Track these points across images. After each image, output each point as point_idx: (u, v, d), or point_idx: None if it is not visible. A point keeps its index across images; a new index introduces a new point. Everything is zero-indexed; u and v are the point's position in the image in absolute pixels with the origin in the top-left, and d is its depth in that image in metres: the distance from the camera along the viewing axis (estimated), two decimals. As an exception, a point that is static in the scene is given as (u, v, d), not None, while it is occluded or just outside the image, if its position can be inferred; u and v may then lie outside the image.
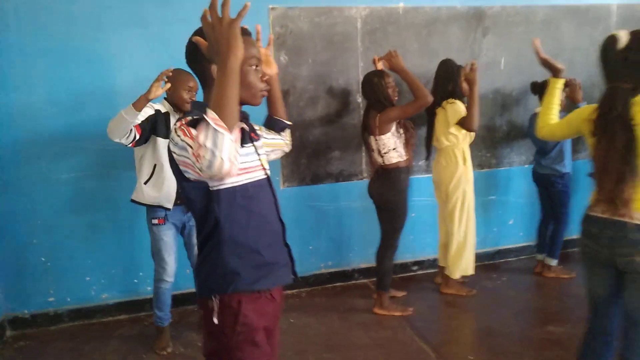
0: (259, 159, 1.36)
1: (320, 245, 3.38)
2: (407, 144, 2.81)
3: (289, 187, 3.24)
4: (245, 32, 1.25)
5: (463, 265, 3.07)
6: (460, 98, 2.97)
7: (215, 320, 1.24)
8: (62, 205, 2.89)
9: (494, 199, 3.68)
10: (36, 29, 2.69)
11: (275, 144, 1.62)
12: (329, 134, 3.25)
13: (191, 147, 1.09)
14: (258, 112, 1.54)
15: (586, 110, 1.70)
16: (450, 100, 2.96)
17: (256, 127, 1.48)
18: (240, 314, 1.25)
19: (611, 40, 1.57)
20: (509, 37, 3.46)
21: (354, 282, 3.45)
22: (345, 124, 3.26)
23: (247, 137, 1.32)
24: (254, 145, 1.35)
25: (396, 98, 2.83)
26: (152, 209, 2.50)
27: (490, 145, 3.59)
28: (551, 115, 1.91)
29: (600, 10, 3.64)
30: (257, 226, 1.29)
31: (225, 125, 1.04)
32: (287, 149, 1.70)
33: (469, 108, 2.82)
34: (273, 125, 1.64)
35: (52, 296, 2.97)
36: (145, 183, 2.46)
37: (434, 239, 3.35)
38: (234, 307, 1.25)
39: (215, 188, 1.22)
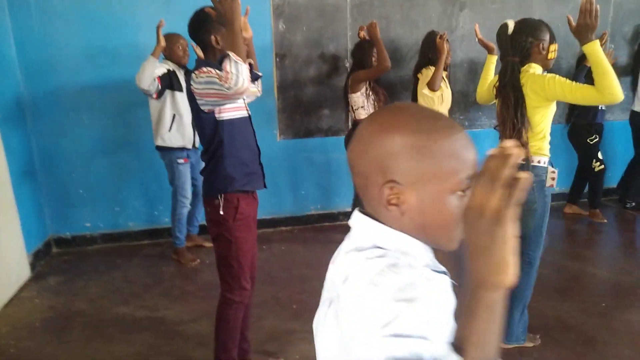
0: (244, 102, 1.92)
1: (310, 191, 3.97)
2: (376, 107, 3.30)
3: (284, 140, 3.80)
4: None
5: None
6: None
7: (221, 212, 1.84)
8: (96, 146, 3.51)
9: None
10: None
11: (251, 92, 2.17)
12: (320, 93, 3.77)
13: (219, 77, 1.65)
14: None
15: (493, 80, 2.21)
16: (429, 66, 3.43)
17: None
18: (239, 206, 1.84)
19: (503, 27, 2.06)
20: (484, 13, 3.88)
21: (339, 222, 4.03)
22: (334, 85, 3.77)
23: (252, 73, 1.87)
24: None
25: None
26: (177, 151, 3.13)
27: (464, 109, 4.06)
28: (485, 84, 2.40)
29: (571, -12, 4.02)
30: (245, 146, 1.87)
31: (241, 60, 1.64)
32: (259, 94, 2.26)
33: (434, 71, 3.28)
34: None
35: (88, 222, 3.63)
36: (169, 130, 3.08)
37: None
38: (234, 202, 1.85)
39: (220, 119, 1.80)
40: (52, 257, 3.51)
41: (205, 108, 1.77)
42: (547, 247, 2.29)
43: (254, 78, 2.14)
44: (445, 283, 0.69)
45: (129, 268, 3.30)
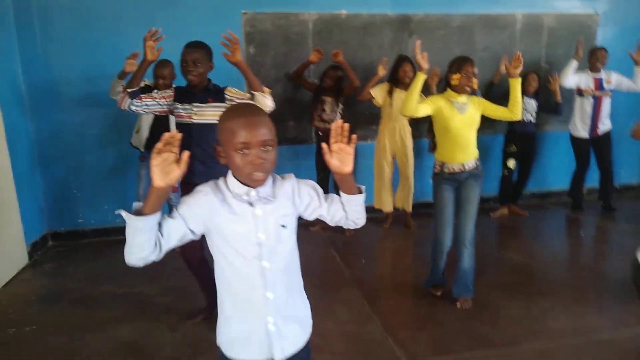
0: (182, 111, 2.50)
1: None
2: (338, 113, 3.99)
3: (255, 147, 4.32)
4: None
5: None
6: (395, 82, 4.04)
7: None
8: (89, 152, 4.03)
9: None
10: (77, 27, 3.81)
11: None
12: (286, 108, 4.31)
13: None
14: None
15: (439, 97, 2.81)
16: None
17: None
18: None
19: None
20: (431, 39, 4.45)
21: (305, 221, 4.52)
22: (299, 100, 4.31)
23: None
24: None
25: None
26: None
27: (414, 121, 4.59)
28: (413, 98, 2.93)
29: (508, 18, 4.60)
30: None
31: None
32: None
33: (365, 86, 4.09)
34: None
35: (81, 218, 4.13)
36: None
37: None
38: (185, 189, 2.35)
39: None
40: (48, 248, 3.99)
41: None
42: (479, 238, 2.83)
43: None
44: (237, 203, 1.20)
45: (115, 257, 3.76)
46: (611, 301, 2.88)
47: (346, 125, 1.20)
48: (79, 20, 3.82)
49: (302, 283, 1.35)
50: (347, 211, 1.29)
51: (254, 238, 1.20)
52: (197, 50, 2.42)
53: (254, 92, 2.45)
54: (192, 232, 1.19)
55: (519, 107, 2.74)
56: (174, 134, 1.06)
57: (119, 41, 3.81)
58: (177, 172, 1.07)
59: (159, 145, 1.04)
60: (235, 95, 2.48)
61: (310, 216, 1.31)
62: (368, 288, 3.12)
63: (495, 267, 3.46)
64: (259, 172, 1.16)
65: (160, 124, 3.52)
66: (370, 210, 4.53)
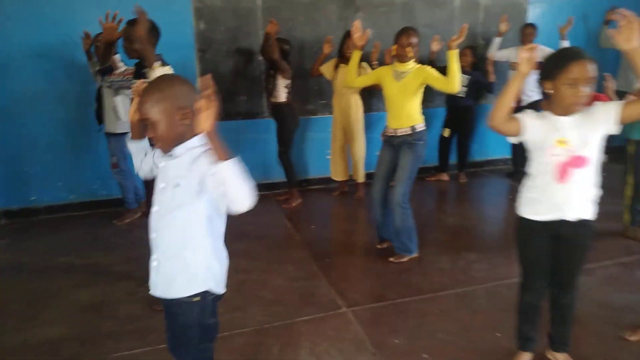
0: None
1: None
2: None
3: (208, 122, 4.43)
4: None
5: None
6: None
7: None
8: (41, 128, 4.03)
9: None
10: (30, 3, 3.75)
11: None
12: (237, 82, 4.43)
13: None
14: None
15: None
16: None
17: None
18: None
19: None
20: (375, 15, 4.65)
21: (259, 193, 4.69)
22: (250, 74, 4.45)
23: None
24: None
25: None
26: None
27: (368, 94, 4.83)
28: (351, 72, 3.16)
29: (447, -5, 4.87)
30: None
31: None
32: None
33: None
34: None
35: (34, 196, 4.15)
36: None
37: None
38: None
39: None
40: (2, 227, 4.01)
41: None
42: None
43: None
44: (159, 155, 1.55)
45: (72, 232, 3.86)
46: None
47: None
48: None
49: (206, 239, 1.49)
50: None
51: (158, 185, 1.52)
52: (130, 28, 2.51)
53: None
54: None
55: (455, 80, 2.82)
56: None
57: (71, 18, 3.83)
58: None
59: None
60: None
61: (211, 189, 1.39)
62: (316, 249, 3.39)
63: (430, 227, 3.81)
64: None
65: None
66: (327, 180, 4.82)
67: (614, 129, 1.65)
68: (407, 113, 2.99)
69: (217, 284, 1.56)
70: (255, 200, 1.36)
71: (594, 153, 1.68)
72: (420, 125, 3.01)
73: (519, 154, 5.08)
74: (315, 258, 3.24)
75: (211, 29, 4.26)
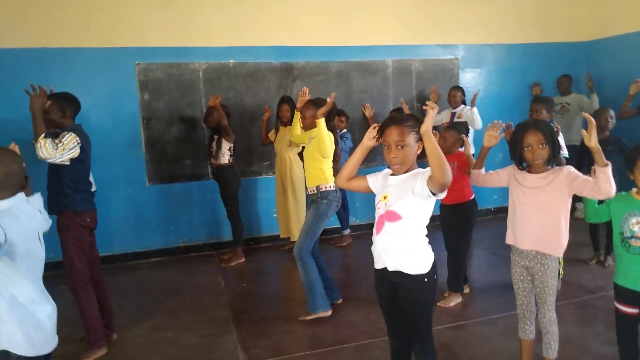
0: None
1: (178, 227, 4.79)
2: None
3: (153, 185, 4.66)
4: None
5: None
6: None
7: None
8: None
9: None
10: None
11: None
12: (182, 147, 4.71)
13: None
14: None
15: None
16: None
17: None
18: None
19: None
20: (312, 83, 5.00)
21: (204, 253, 4.85)
22: (193, 140, 4.74)
23: None
24: None
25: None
26: None
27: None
28: (294, 130, 3.45)
29: (379, 64, 5.28)
30: None
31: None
32: None
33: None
34: None
35: None
36: None
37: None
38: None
39: None
40: None
41: None
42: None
43: None
44: None
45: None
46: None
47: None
48: None
49: None
50: None
51: None
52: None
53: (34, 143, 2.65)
54: None
55: (322, 146, 3.03)
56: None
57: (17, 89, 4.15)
58: None
59: None
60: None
61: None
62: (238, 307, 3.48)
63: (358, 281, 3.91)
64: None
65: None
66: (276, 238, 4.93)
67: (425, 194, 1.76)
68: (313, 173, 3.20)
69: (17, 345, 1.59)
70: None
71: (410, 210, 1.84)
72: (326, 185, 3.17)
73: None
74: (234, 315, 3.33)
75: (155, 98, 4.60)
